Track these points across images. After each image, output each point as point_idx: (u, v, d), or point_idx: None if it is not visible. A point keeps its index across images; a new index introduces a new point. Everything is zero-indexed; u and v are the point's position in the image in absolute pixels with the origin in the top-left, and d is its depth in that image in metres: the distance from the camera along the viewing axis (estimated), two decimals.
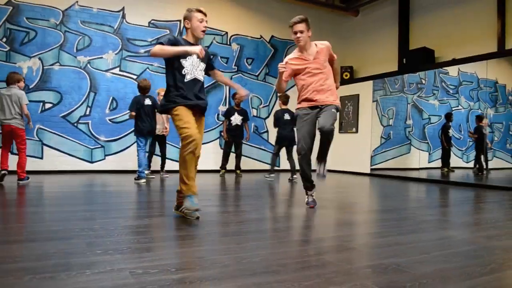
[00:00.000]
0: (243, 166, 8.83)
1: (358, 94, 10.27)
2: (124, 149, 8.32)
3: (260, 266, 2.14)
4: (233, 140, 8.38)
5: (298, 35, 4.08)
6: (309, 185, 4.27)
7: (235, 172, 8.46)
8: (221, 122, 9.17)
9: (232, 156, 8.53)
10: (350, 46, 10.67)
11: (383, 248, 2.60)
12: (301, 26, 4.07)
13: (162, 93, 7.99)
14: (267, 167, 9.10)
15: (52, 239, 2.60)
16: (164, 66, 3.59)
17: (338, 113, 4.19)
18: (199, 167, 3.65)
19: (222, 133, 8.69)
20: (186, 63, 3.49)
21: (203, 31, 3.62)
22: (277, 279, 1.95)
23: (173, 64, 3.47)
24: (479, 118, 11.50)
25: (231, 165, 8.53)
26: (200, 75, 3.60)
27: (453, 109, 12.36)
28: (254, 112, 9.77)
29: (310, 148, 4.14)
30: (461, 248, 2.67)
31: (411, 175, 10.24)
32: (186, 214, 3.39)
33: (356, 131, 10.28)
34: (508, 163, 13.02)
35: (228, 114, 8.38)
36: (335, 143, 11.06)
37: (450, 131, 11.54)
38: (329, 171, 10.07)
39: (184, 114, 3.38)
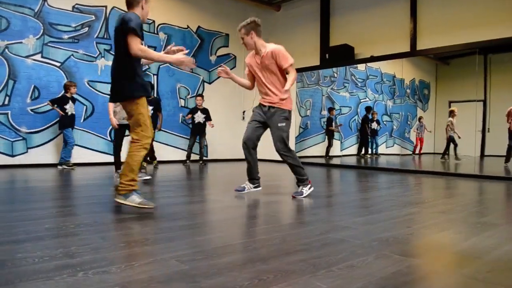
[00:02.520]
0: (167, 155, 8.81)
1: None
2: (48, 141, 7.79)
3: (288, 247, 2.32)
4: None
5: (242, 41, 4.31)
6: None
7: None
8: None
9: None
10: (272, 40, 10.99)
11: (370, 225, 2.93)
12: (241, 34, 4.26)
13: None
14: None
15: (58, 236, 2.51)
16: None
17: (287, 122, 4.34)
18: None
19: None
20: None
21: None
22: (312, 255, 2.14)
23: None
24: (368, 109, 12.75)
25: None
26: None
27: (361, 100, 13.45)
28: (182, 102, 9.72)
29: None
30: (427, 222, 3.10)
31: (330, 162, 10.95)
32: (140, 204, 3.27)
33: None
34: (405, 150, 14.54)
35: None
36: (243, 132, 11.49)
37: (370, 123, 12.56)
38: (238, 160, 10.43)
39: (146, 105, 3.37)
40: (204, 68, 10.07)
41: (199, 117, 8.99)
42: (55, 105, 7.51)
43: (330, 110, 12.40)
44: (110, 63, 8.49)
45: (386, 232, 2.76)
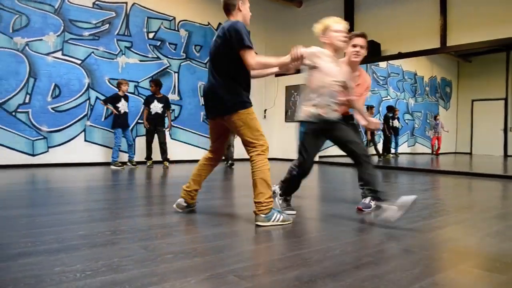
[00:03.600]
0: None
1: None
2: (69, 140, 7.64)
3: (351, 260, 2.07)
4: (154, 128, 7.94)
5: (358, 49, 3.55)
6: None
7: (162, 163, 8.03)
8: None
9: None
10: (294, 37, 10.78)
11: (429, 233, 2.67)
12: (363, 41, 3.59)
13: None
14: None
15: (99, 245, 2.30)
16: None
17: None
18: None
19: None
20: None
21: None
22: (384, 270, 1.90)
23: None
24: (389, 108, 12.42)
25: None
26: None
27: (383, 98, 13.13)
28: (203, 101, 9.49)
29: None
30: (492, 229, 2.84)
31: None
32: (284, 222, 2.91)
33: None
34: (427, 149, 14.18)
35: (147, 102, 7.95)
36: (282, 132, 11.36)
37: (392, 120, 12.24)
38: (274, 159, 10.18)
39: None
40: None
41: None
42: (108, 104, 7.55)
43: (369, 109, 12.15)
44: (130, 60, 8.33)
45: (452, 241, 2.50)
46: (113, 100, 7.64)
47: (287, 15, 10.97)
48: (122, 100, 7.66)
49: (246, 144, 2.97)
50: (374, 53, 8.88)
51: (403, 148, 13.81)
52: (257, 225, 2.83)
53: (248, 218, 3.17)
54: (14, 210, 3.34)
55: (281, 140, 10.75)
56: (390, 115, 12.17)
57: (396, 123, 12.32)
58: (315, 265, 1.98)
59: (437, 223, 3.03)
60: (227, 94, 2.90)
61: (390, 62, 12.69)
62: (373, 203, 3.48)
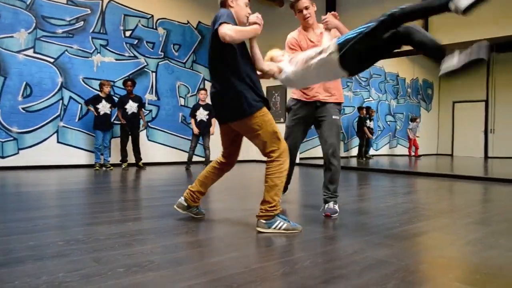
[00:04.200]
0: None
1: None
2: (41, 142, 7.35)
3: (318, 272, 1.91)
4: (130, 129, 7.78)
5: (305, 12, 3.44)
6: None
7: (136, 165, 7.91)
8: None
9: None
10: (276, 36, 10.58)
11: (407, 241, 2.53)
12: (306, 1, 3.43)
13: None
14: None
15: (44, 257, 2.09)
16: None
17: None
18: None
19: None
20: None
21: (247, 16, 2.84)
22: (354, 283, 1.74)
23: (239, 51, 2.70)
24: (359, 108, 12.39)
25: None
26: None
27: (365, 100, 13.07)
28: (182, 101, 9.29)
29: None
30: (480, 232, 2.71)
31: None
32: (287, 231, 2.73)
33: (284, 121, 10.30)
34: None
35: (122, 102, 7.75)
36: None
37: (367, 122, 12.14)
38: (253, 161, 10.01)
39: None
40: (205, 66, 9.65)
41: (201, 114, 7.94)
42: (90, 105, 7.40)
43: (360, 109, 12.08)
44: (106, 59, 8.08)
45: (431, 250, 2.36)
46: (94, 101, 7.43)
47: (268, 14, 10.78)
48: (103, 101, 7.44)
49: (262, 150, 2.79)
50: None
51: (384, 149, 13.77)
52: (257, 231, 2.71)
53: (219, 224, 2.99)
54: None
55: None
56: (367, 116, 12.10)
57: (371, 124, 12.26)
58: (280, 279, 1.81)
59: (416, 230, 2.89)
60: (234, 98, 2.68)
61: None
62: (336, 206, 3.31)
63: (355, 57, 2.57)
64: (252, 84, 2.71)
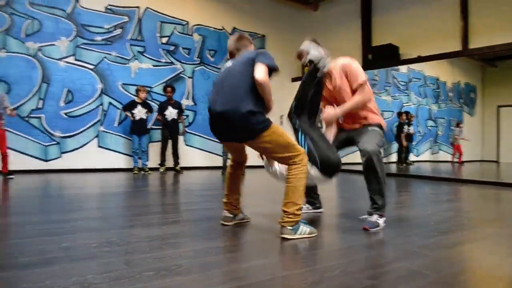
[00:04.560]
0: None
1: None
2: (82, 146, 7.58)
3: (349, 281, 1.84)
4: (169, 134, 7.93)
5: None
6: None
7: (174, 169, 8.06)
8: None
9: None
10: None
11: (445, 250, 2.41)
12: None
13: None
14: None
15: (76, 258, 2.12)
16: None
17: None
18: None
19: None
20: None
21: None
22: None
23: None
24: (399, 114, 12.07)
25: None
26: None
27: (404, 104, 12.76)
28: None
29: None
30: None
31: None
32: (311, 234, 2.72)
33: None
34: (451, 156, 13.70)
35: (162, 108, 7.91)
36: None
37: (405, 128, 11.86)
38: None
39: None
40: None
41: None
42: (127, 111, 7.63)
43: (400, 115, 11.87)
44: (143, 65, 8.26)
45: (471, 261, 2.24)
46: (130, 106, 7.63)
47: (303, 18, 10.75)
48: (139, 106, 7.62)
49: (283, 162, 2.80)
50: (392, 57, 8.59)
51: (425, 155, 13.36)
52: (283, 238, 2.64)
53: (250, 230, 2.96)
54: (7, 218, 3.21)
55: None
56: (406, 121, 11.80)
57: (411, 129, 11.95)
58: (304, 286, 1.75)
59: (456, 239, 2.76)
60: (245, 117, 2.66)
61: (411, 67, 12.32)
62: (380, 221, 3.03)
63: None
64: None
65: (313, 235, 2.70)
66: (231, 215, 3.08)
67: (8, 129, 6.67)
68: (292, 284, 1.80)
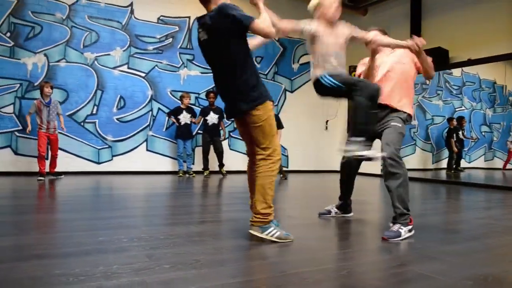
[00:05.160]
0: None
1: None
2: (132, 150, 8.02)
3: (354, 282, 1.93)
4: (210, 139, 8.12)
5: None
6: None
7: (220, 172, 8.27)
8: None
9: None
10: (359, 46, 10.50)
11: (463, 257, 2.41)
12: None
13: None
14: None
15: (106, 251, 2.35)
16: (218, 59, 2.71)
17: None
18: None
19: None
20: None
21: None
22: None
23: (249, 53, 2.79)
24: (449, 119, 11.64)
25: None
26: None
27: (457, 109, 12.33)
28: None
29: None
30: None
31: (418, 176, 10.09)
32: (279, 239, 2.68)
33: None
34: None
35: (204, 113, 8.13)
36: (328, 143, 11.11)
37: (459, 133, 11.51)
38: (321, 171, 9.90)
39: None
40: (286, 77, 9.82)
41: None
42: (172, 116, 8.04)
43: (450, 120, 11.60)
44: (192, 72, 8.60)
45: (485, 267, 2.24)
46: (176, 112, 7.97)
47: (352, 23, 10.70)
48: (184, 112, 7.95)
49: (258, 144, 2.76)
50: (441, 61, 8.38)
51: (479, 162, 12.82)
52: (251, 234, 2.68)
53: None
54: (58, 214, 3.54)
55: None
56: (458, 126, 11.42)
57: (461, 135, 11.54)
58: (310, 286, 1.86)
59: (478, 246, 2.74)
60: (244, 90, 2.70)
61: (465, 70, 11.90)
62: (403, 231, 2.90)
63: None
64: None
65: (284, 241, 2.65)
66: None
67: (64, 133, 7.22)
68: (296, 281, 1.91)
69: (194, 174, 7.99)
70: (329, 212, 3.77)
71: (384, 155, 2.97)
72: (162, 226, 3.15)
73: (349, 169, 3.63)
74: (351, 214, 3.81)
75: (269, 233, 2.65)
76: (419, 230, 3.21)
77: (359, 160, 3.42)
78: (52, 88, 6.62)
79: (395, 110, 3.28)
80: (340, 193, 3.76)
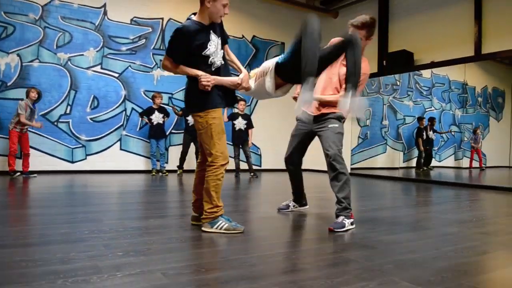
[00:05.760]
0: None
1: None
2: (105, 149, 8.14)
3: (286, 265, 2.17)
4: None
5: None
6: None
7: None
8: None
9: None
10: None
11: (396, 245, 2.67)
12: (360, 33, 3.52)
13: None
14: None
15: (67, 241, 2.54)
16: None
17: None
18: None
19: None
20: (210, 50, 2.90)
21: (221, 17, 2.98)
22: (308, 276, 1.98)
23: (194, 59, 2.88)
24: (419, 119, 12.05)
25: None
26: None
27: (427, 109, 12.75)
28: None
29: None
30: (466, 243, 2.77)
31: (388, 174, 10.42)
32: (227, 230, 2.91)
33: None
34: (475, 162, 13.51)
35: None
36: (313, 142, 11.31)
37: (424, 133, 11.91)
38: (308, 170, 10.19)
39: (222, 122, 2.99)
40: None
41: (240, 123, 8.13)
42: (144, 116, 8.16)
43: (420, 120, 11.98)
44: (165, 73, 8.75)
45: (409, 253, 2.50)
46: (148, 112, 8.12)
47: (323, 25, 10.96)
48: (156, 112, 8.10)
49: (204, 154, 3.04)
50: (406, 63, 8.74)
51: (448, 161, 13.27)
52: (202, 230, 2.93)
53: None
54: (28, 209, 3.70)
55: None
56: (427, 126, 11.85)
57: (431, 134, 11.97)
58: (245, 268, 2.08)
59: (413, 237, 3.01)
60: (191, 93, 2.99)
61: (435, 72, 12.31)
62: (346, 222, 3.16)
63: (288, 66, 3.03)
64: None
65: (233, 232, 2.88)
66: (196, 214, 3.17)
67: (38, 132, 7.35)
68: (234, 265, 2.13)
69: (167, 173, 8.15)
70: (288, 206, 4.02)
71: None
72: (124, 220, 3.34)
73: (292, 162, 3.89)
74: (307, 207, 4.07)
75: (218, 226, 2.91)
76: (367, 222, 3.47)
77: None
78: (38, 94, 6.83)
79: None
80: (291, 188, 4.02)
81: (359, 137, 11.14)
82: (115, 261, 2.14)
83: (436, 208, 4.73)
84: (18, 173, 6.46)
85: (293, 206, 4.03)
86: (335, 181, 3.34)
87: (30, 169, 6.90)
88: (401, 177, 9.20)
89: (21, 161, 6.84)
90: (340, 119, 3.54)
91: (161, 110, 8.21)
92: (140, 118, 8.34)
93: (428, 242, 2.85)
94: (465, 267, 2.21)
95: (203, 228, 2.94)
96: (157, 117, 8.09)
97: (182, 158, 8.31)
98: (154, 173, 8.05)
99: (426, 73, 12.06)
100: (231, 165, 9.15)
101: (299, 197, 4.04)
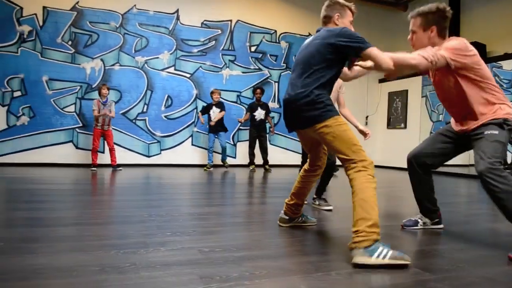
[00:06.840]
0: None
1: (407, 90, 10.22)
2: (178, 144, 8.77)
3: (311, 249, 2.38)
4: (257, 134, 8.44)
5: (409, 36, 2.93)
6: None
7: (263, 167, 8.56)
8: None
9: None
10: (399, 41, 10.58)
11: (426, 236, 2.77)
12: (412, 24, 2.91)
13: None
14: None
15: (128, 222, 2.96)
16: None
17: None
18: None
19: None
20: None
21: None
22: (323, 259, 2.18)
23: (338, 64, 2.53)
24: None
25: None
26: None
27: None
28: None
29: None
30: (503, 238, 2.78)
31: (460, 171, 10.01)
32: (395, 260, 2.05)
33: (405, 127, 10.24)
34: None
35: (251, 109, 8.46)
36: (383, 138, 11.25)
37: None
38: (377, 167, 10.10)
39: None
40: None
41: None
42: (199, 113, 8.48)
43: None
44: (233, 72, 9.19)
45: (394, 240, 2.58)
46: (206, 109, 8.37)
47: (392, 20, 10.83)
48: (214, 107, 8.30)
49: (342, 162, 2.38)
50: (480, 55, 8.35)
51: None
52: (355, 264, 2.05)
53: (265, 212, 3.56)
54: (119, 196, 4.24)
55: (384, 147, 10.66)
56: None
57: None
58: (272, 249, 2.33)
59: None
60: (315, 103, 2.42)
61: None
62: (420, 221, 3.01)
63: None
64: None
65: (401, 262, 2.05)
66: (286, 217, 2.98)
67: (118, 129, 8.11)
68: (251, 246, 2.38)
69: (228, 165, 8.47)
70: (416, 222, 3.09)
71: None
72: (182, 207, 3.73)
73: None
74: (442, 226, 3.12)
75: (379, 254, 2.05)
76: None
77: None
78: (108, 89, 7.48)
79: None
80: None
81: (431, 132, 10.78)
82: (163, 239, 2.50)
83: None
84: (94, 169, 7.17)
85: (423, 224, 3.07)
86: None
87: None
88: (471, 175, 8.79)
89: (109, 156, 7.61)
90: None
91: (219, 105, 8.40)
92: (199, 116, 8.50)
93: (463, 236, 2.89)
94: (488, 259, 2.28)
95: (356, 261, 2.06)
96: (214, 112, 8.27)
97: (252, 154, 8.53)
98: (206, 168, 8.19)
99: (506, 65, 11.38)
100: (246, 158, 9.24)
101: (431, 212, 3.08)
